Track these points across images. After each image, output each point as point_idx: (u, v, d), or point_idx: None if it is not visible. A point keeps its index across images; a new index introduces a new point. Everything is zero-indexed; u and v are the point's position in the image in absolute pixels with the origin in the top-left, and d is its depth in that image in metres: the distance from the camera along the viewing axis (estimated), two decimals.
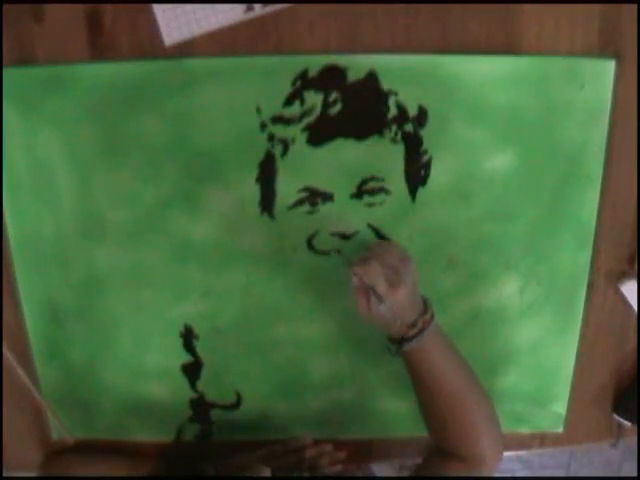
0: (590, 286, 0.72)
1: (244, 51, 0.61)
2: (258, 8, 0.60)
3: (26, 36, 0.60)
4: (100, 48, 0.61)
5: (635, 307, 0.72)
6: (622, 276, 0.72)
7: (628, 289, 0.71)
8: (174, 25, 0.60)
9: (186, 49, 0.61)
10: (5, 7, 0.59)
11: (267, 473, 0.57)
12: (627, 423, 0.78)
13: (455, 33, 0.61)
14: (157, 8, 0.59)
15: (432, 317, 0.59)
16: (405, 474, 1.02)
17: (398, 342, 0.59)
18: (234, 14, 0.60)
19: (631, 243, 0.71)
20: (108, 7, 0.60)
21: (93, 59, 0.61)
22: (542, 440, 0.81)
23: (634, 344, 0.75)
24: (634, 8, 0.61)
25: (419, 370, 0.60)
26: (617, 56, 0.63)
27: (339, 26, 0.61)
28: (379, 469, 0.86)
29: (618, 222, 0.70)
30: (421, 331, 0.58)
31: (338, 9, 0.60)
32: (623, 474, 1.62)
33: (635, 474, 1.54)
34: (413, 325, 0.58)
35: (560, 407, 0.78)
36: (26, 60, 0.61)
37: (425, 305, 0.60)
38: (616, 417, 0.79)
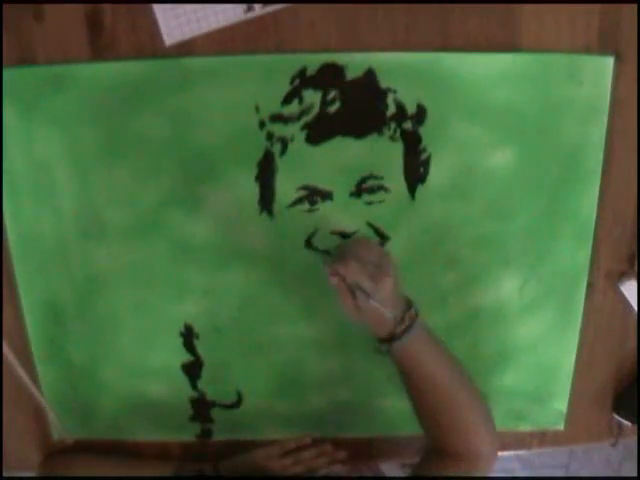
0: (590, 286, 0.72)
1: (244, 51, 0.61)
2: (258, 8, 0.60)
3: (26, 36, 0.60)
4: (100, 48, 0.61)
5: (635, 307, 0.72)
6: (622, 276, 0.72)
7: (628, 289, 0.71)
8: (174, 25, 0.60)
9: (186, 49, 0.61)
10: (5, 7, 0.59)
11: None
12: (627, 423, 0.78)
13: (455, 33, 0.61)
14: (157, 8, 0.59)
15: (417, 313, 0.58)
16: (407, 473, 1.02)
17: (387, 341, 0.58)
18: (234, 14, 0.60)
19: (631, 243, 0.71)
20: (108, 7, 0.60)
21: (93, 59, 0.61)
22: (542, 439, 0.81)
23: (634, 344, 0.75)
24: (634, 8, 0.61)
25: (409, 368, 0.59)
26: (617, 56, 0.63)
27: (339, 26, 0.61)
28: (388, 468, 0.86)
29: (618, 222, 0.70)
30: (408, 327, 0.57)
31: (338, 9, 0.60)
32: (623, 474, 1.61)
33: (635, 474, 1.54)
34: (400, 322, 0.57)
35: (561, 404, 0.78)
36: (26, 60, 0.61)
37: (408, 300, 0.59)
38: (616, 417, 0.79)
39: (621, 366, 0.77)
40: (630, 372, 0.77)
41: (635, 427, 0.79)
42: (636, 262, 0.71)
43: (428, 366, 0.59)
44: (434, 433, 0.63)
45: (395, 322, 0.57)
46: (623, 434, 0.80)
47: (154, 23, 0.60)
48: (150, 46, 0.61)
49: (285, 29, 0.61)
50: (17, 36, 0.60)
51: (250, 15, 0.60)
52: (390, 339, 0.57)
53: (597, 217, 0.69)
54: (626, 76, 0.63)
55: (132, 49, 0.61)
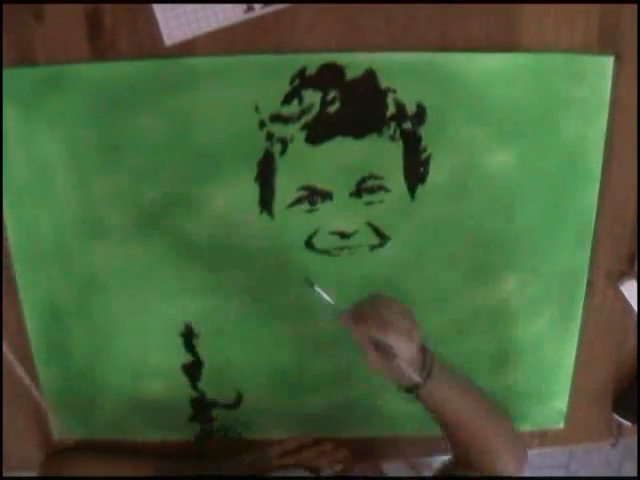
0: (590, 286, 0.72)
1: (244, 51, 0.61)
2: (258, 8, 0.60)
3: (26, 36, 0.60)
4: (100, 48, 0.61)
5: (635, 307, 0.72)
6: (622, 276, 0.72)
7: (628, 289, 0.71)
8: (174, 25, 0.60)
9: (186, 49, 0.61)
10: (5, 7, 0.59)
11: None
12: (627, 423, 0.78)
13: (455, 33, 0.61)
14: (157, 8, 0.59)
15: (433, 356, 0.58)
16: (415, 474, 1.02)
17: (411, 389, 0.57)
18: (234, 14, 0.60)
19: (631, 243, 0.71)
20: (108, 7, 0.60)
21: (93, 59, 0.61)
22: (542, 439, 0.81)
23: (634, 344, 0.75)
24: (634, 8, 0.61)
25: (435, 408, 0.60)
26: (617, 56, 0.63)
27: (339, 26, 0.61)
28: (392, 468, 0.86)
29: (618, 222, 0.70)
30: (430, 373, 0.56)
31: (338, 9, 0.60)
32: (623, 474, 1.61)
33: (635, 474, 1.54)
34: (422, 367, 0.56)
35: (561, 403, 0.78)
36: (26, 60, 0.61)
37: (424, 346, 0.58)
38: (616, 417, 0.79)
39: (621, 366, 0.77)
40: (630, 372, 0.77)
41: (635, 427, 0.79)
42: (636, 262, 0.71)
43: (453, 403, 0.60)
44: (463, 456, 0.64)
45: (417, 369, 0.56)
46: (623, 434, 0.80)
47: (154, 23, 0.60)
48: (150, 46, 0.61)
49: (285, 29, 0.61)
50: (17, 36, 0.60)
51: (250, 15, 0.60)
52: (413, 389, 0.57)
53: (597, 217, 0.69)
54: (626, 76, 0.63)
55: (132, 49, 0.61)
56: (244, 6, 0.59)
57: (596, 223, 0.69)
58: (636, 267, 0.71)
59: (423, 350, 0.57)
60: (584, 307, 0.73)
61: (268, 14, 0.60)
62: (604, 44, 0.62)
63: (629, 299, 0.72)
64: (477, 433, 0.61)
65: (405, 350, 0.54)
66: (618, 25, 0.62)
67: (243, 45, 0.61)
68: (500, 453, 0.62)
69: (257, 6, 0.59)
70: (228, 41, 0.61)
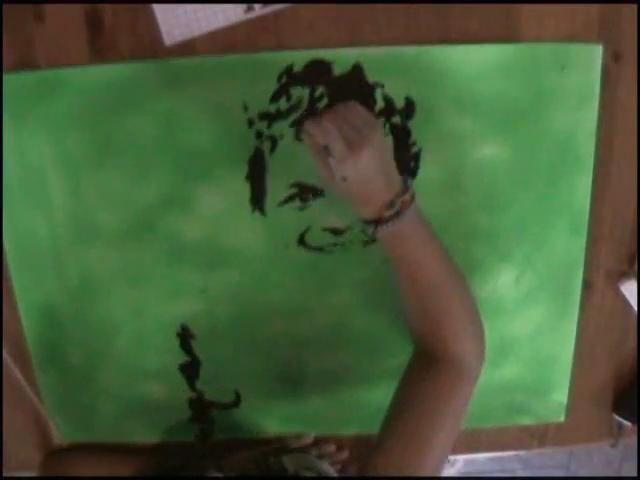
0: (590, 286, 0.72)
1: (244, 51, 0.61)
2: (258, 8, 0.60)
3: (26, 36, 0.60)
4: (100, 48, 0.61)
5: (635, 307, 0.72)
6: (622, 276, 0.72)
7: (628, 289, 0.71)
8: (174, 25, 0.60)
9: (186, 49, 0.61)
10: (5, 7, 0.59)
11: None
12: (627, 423, 0.78)
13: (455, 33, 0.61)
14: (157, 8, 0.59)
15: (412, 198, 0.53)
16: None
17: (374, 223, 0.53)
18: (234, 14, 0.60)
19: (631, 243, 0.71)
20: (108, 7, 0.60)
21: (93, 59, 0.61)
22: (542, 439, 0.80)
23: (634, 344, 0.75)
24: (634, 8, 0.61)
25: (396, 254, 0.56)
26: (617, 56, 0.63)
27: (339, 26, 0.61)
28: None
29: (618, 222, 0.70)
30: (398, 213, 0.52)
31: (338, 9, 0.60)
32: (623, 474, 1.62)
33: (635, 474, 1.54)
34: (390, 206, 0.52)
35: (561, 396, 0.77)
36: (26, 60, 0.61)
37: (405, 185, 0.54)
38: (616, 417, 0.78)
39: (621, 366, 0.77)
40: (630, 372, 0.77)
41: (635, 427, 0.79)
42: (636, 262, 0.71)
43: (417, 255, 0.55)
44: (420, 332, 0.60)
45: (383, 206, 0.52)
46: (623, 434, 0.80)
47: (154, 23, 0.60)
48: (150, 46, 0.61)
49: (285, 29, 0.61)
50: (17, 36, 0.60)
51: (250, 15, 0.60)
52: (376, 222, 0.53)
53: (597, 217, 0.69)
54: (626, 76, 0.63)
55: (132, 49, 0.61)
56: (244, 6, 0.59)
57: (596, 223, 0.69)
58: (636, 267, 0.71)
59: (399, 185, 0.53)
60: (584, 308, 0.73)
61: (268, 14, 0.60)
62: (604, 44, 0.62)
63: (629, 299, 0.72)
64: (439, 298, 0.56)
65: (353, 161, 0.49)
66: (618, 25, 0.62)
67: (243, 45, 0.61)
68: (461, 330, 0.57)
69: (257, 6, 0.59)
70: (228, 41, 0.61)
